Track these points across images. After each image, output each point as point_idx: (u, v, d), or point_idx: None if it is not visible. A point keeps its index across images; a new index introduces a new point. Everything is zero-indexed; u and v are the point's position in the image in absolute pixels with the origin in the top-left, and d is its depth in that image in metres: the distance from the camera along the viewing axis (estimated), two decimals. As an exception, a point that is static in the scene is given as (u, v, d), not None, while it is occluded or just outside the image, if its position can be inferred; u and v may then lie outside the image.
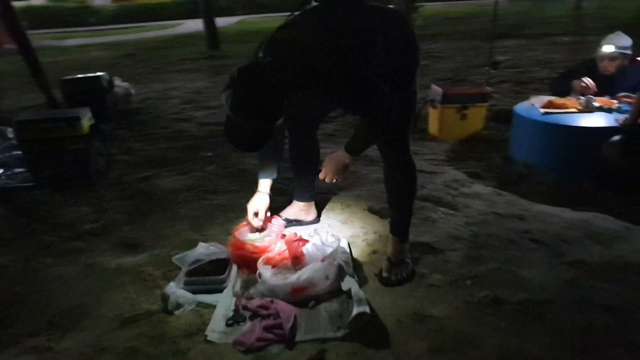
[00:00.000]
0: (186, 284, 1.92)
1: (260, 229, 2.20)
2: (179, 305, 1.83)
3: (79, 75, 4.62)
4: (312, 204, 2.51)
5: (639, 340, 1.59)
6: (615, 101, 3.06)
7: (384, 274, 1.99)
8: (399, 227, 2.04)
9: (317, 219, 2.51)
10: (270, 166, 2.24)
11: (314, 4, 1.74)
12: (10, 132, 4.26)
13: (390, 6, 2.13)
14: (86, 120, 3.14)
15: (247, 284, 1.98)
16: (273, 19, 18.66)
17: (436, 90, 3.78)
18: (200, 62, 8.94)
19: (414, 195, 2.03)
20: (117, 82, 4.99)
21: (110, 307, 1.87)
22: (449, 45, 8.80)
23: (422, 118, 4.05)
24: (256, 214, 2.19)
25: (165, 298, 1.86)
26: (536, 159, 3.02)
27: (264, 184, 2.25)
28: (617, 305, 1.76)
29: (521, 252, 2.14)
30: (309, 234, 2.18)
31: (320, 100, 1.88)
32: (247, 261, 2.04)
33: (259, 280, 1.93)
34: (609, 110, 2.99)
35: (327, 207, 2.66)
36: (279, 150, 2.28)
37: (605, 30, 8.20)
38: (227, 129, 1.69)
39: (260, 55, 1.68)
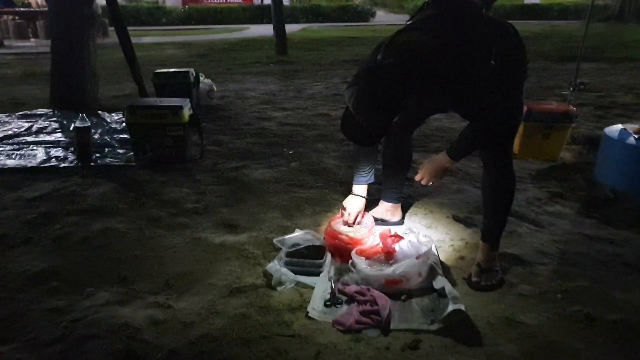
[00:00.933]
0: (287, 264, 2.06)
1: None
2: (280, 283, 1.98)
3: (170, 70, 4.93)
4: (399, 205, 2.61)
5: None
6: None
7: (474, 279, 2.05)
8: (492, 234, 2.10)
9: (401, 221, 2.60)
10: (366, 169, 2.34)
11: (431, 11, 1.84)
12: (108, 117, 4.63)
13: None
14: (187, 110, 3.38)
15: (341, 272, 2.10)
16: (334, 28, 19.03)
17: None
18: (270, 66, 9.23)
19: (510, 204, 2.09)
20: (201, 78, 5.27)
21: (219, 277, 2.05)
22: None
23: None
24: (354, 216, 2.31)
25: (268, 275, 2.01)
26: (626, 184, 2.98)
27: (361, 188, 2.36)
28: None
29: (613, 274, 2.15)
30: (404, 232, 2.28)
31: (434, 102, 1.98)
32: (341, 251, 2.16)
33: (352, 269, 2.05)
34: None
35: (410, 210, 2.75)
36: (374, 152, 2.39)
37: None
38: (344, 124, 1.82)
39: (379, 57, 1.79)
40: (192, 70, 4.93)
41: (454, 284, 2.05)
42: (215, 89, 5.57)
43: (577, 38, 11.61)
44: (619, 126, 3.26)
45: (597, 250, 2.34)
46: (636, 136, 3.01)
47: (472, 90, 1.76)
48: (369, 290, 1.91)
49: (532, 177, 3.36)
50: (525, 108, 3.69)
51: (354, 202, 2.36)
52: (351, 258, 2.06)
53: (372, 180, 2.38)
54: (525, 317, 1.85)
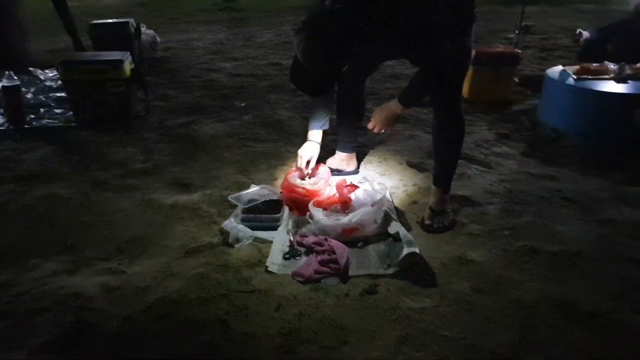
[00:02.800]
0: (244, 220, 2.05)
1: (310, 176, 2.32)
2: (238, 240, 1.97)
3: (108, 20, 4.62)
4: (354, 155, 2.62)
5: (665, 291, 1.74)
6: (649, 69, 3.12)
7: (427, 222, 2.11)
8: (443, 178, 2.15)
9: (356, 170, 2.63)
10: (321, 116, 2.33)
11: None
12: (41, 74, 4.32)
13: None
14: (128, 64, 3.21)
15: (299, 224, 2.11)
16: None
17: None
18: (217, 14, 8.83)
19: (460, 147, 2.14)
20: (142, 29, 4.99)
21: (173, 239, 2.01)
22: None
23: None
24: (308, 162, 2.30)
25: (224, 232, 2.00)
26: (566, 123, 3.10)
27: (316, 134, 2.34)
28: (645, 259, 1.90)
29: (554, 209, 2.27)
30: (359, 181, 2.30)
31: (385, 48, 1.95)
32: (299, 203, 2.17)
33: (310, 221, 2.07)
34: (641, 79, 3.05)
35: (365, 159, 2.77)
36: (329, 101, 2.36)
37: (634, -1, 7.88)
38: (294, 73, 1.77)
39: (328, 2, 1.74)
40: (132, 20, 4.65)
41: (408, 228, 2.11)
42: (158, 40, 5.29)
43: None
44: (560, 67, 3.36)
45: (540, 187, 2.46)
46: (575, 77, 3.11)
47: (423, 35, 1.74)
48: (326, 240, 1.94)
49: (481, 120, 3.44)
50: (473, 52, 3.73)
51: (308, 148, 2.34)
52: (309, 210, 2.08)
53: (327, 126, 2.36)
54: (475, 254, 1.94)
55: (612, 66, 3.18)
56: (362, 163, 2.72)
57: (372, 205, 2.05)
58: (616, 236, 2.05)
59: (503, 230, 2.09)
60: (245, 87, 4.16)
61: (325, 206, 2.14)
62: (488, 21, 7.47)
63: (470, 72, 3.73)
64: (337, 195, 2.20)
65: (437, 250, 1.97)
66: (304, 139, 2.41)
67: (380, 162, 2.76)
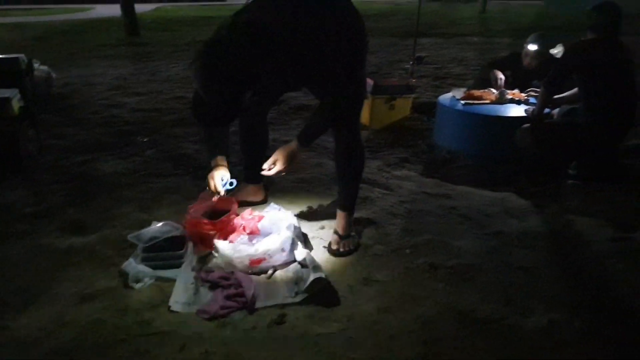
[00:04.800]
0: (145, 259, 1.96)
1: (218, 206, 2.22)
2: (138, 280, 1.88)
3: (-5, 56, 4.31)
4: (261, 185, 2.62)
5: (550, 293, 1.89)
6: (524, 94, 3.46)
7: (333, 246, 2.16)
8: (347, 203, 2.22)
9: (264, 200, 2.63)
10: (221, 145, 2.25)
11: None
12: None
13: None
14: (16, 101, 3.00)
15: (204, 259, 2.06)
16: (190, 7, 18.20)
17: (367, 81, 4.01)
18: (120, 49, 8.58)
19: (361, 173, 2.22)
20: (36, 65, 4.71)
21: (67, 285, 1.88)
22: (370, 42, 9.12)
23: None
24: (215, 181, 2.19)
25: (124, 274, 1.90)
26: (458, 145, 3.35)
27: (220, 159, 2.23)
28: (532, 266, 2.07)
29: (450, 225, 2.42)
30: (266, 210, 2.31)
31: (286, 82, 1.97)
32: (203, 237, 2.12)
33: (216, 255, 2.03)
34: (519, 102, 3.39)
35: (272, 188, 2.78)
36: (227, 131, 2.32)
37: (509, 32, 8.93)
38: (194, 105, 1.75)
39: (223, 31, 1.75)
40: (22, 56, 4.35)
41: (316, 253, 2.13)
42: (54, 76, 5.02)
43: (420, 16, 12.61)
44: (450, 94, 3.64)
45: (438, 206, 2.62)
46: (463, 102, 3.38)
47: (322, 70, 1.80)
48: (232, 273, 1.91)
49: (382, 146, 3.61)
50: (372, 82, 3.94)
51: (217, 171, 2.21)
52: (214, 244, 2.04)
53: (227, 154, 2.28)
54: (380, 275, 2.00)
55: (494, 91, 3.50)
56: (271, 192, 2.73)
57: (278, 234, 2.06)
58: (505, 247, 2.22)
59: (405, 248, 2.19)
60: (148, 122, 4.05)
61: (231, 238, 2.11)
62: (388, 53, 7.94)
63: (369, 102, 3.93)
64: (243, 226, 2.18)
65: (344, 274, 2.01)
66: (210, 170, 2.35)
67: (288, 190, 2.79)
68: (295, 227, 2.18)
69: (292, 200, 2.67)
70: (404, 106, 4.06)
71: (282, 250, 2.02)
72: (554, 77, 2.93)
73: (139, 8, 12.49)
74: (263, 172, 1.98)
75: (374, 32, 10.44)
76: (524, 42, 3.63)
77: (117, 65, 6.81)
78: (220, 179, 2.18)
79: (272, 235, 2.04)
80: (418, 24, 4.84)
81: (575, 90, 3.05)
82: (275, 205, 2.38)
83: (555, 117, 3.22)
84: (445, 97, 3.64)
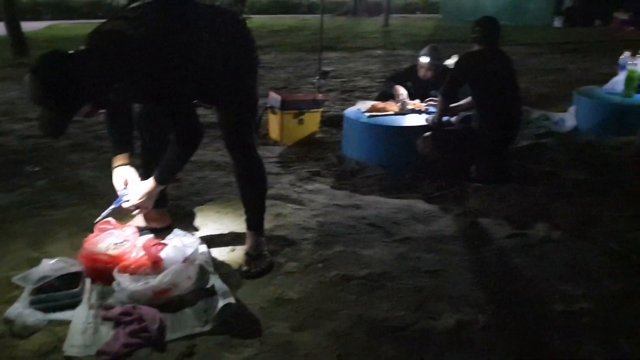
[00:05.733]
0: (34, 302, 1.78)
1: (136, 207, 2.00)
2: (27, 327, 1.70)
3: None
4: (165, 210, 2.50)
5: (457, 294, 1.97)
6: (424, 104, 3.63)
7: (244, 268, 2.10)
8: (254, 222, 2.18)
9: (169, 226, 2.50)
10: (123, 141, 2.08)
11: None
12: None
13: None
14: None
15: (104, 295, 1.91)
16: (87, 25, 17.25)
17: (274, 97, 4.01)
18: (7, 70, 7.90)
19: (265, 190, 2.19)
20: None
21: (-61, 342, 1.65)
22: (278, 57, 9.22)
23: (263, 124, 4.24)
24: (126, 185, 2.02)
25: (9, 321, 1.70)
26: (365, 156, 3.44)
27: (121, 157, 2.05)
28: (439, 269, 2.15)
29: (361, 235, 2.45)
30: (168, 238, 2.19)
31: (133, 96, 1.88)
32: (102, 272, 1.96)
33: (116, 289, 1.89)
34: (419, 112, 3.54)
35: (180, 212, 2.66)
36: (128, 128, 2.12)
37: (410, 45, 9.40)
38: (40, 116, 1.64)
39: (82, 47, 1.67)
40: None
41: (227, 277, 2.06)
42: None
43: (325, 30, 12.92)
44: (355, 107, 3.73)
45: (348, 217, 2.65)
46: (367, 114, 3.48)
47: (164, 85, 1.73)
48: (135, 308, 1.78)
49: (293, 161, 3.61)
50: (279, 98, 3.94)
51: (118, 173, 2.03)
52: (114, 278, 1.89)
53: (131, 149, 2.09)
54: (293, 292, 1.97)
55: (397, 102, 3.63)
56: (177, 216, 2.61)
57: (183, 262, 1.96)
58: (413, 252, 2.29)
59: (317, 263, 2.18)
60: (40, 149, 3.74)
61: (132, 270, 1.97)
62: (296, 68, 8.02)
63: (279, 117, 3.92)
64: (145, 256, 2.06)
65: (255, 295, 1.95)
66: (110, 198, 2.15)
67: (195, 213, 2.68)
68: (202, 253, 2.09)
69: (200, 223, 2.57)
70: (313, 120, 4.09)
71: (189, 278, 1.93)
72: (448, 88, 3.12)
73: (29, 26, 11.64)
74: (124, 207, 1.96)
75: (282, 47, 10.52)
76: (421, 54, 3.81)
77: (4, 88, 6.26)
78: (121, 182, 2.02)
79: (177, 265, 1.93)
80: (322, 39, 4.95)
81: (469, 98, 3.25)
82: (180, 231, 2.27)
83: (454, 124, 3.41)
84: (351, 110, 3.73)
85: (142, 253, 2.06)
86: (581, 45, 10.62)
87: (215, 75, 1.83)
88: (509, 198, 2.88)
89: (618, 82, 4.17)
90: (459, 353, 1.65)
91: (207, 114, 2.65)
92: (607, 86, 4.32)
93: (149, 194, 1.92)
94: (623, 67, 4.25)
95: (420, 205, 2.83)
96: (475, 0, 19.00)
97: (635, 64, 4.01)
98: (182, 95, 1.79)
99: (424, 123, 3.32)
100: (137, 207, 1.93)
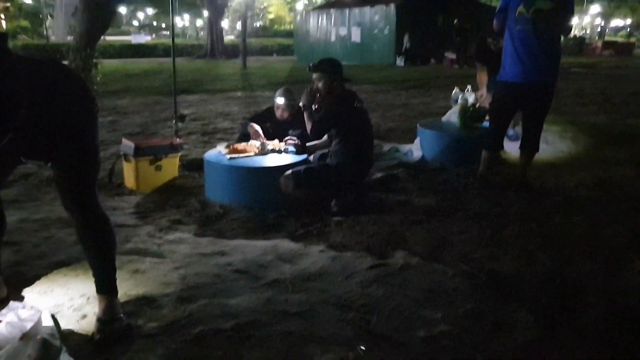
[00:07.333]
0: None
1: None
2: None
3: None
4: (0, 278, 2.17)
5: (325, 333, 1.98)
6: (283, 144, 3.71)
7: (97, 336, 1.89)
8: (105, 284, 1.99)
9: (6, 297, 2.17)
10: None
11: None
12: None
13: (66, 62, 2.10)
14: None
15: None
16: None
17: (128, 144, 3.79)
18: None
19: (113, 248, 2.02)
20: None
21: None
22: (133, 101, 8.81)
23: (118, 173, 3.97)
24: None
25: None
26: (229, 198, 3.38)
27: None
28: (307, 309, 2.15)
29: (227, 284, 2.37)
30: (1, 313, 1.89)
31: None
32: None
33: None
34: (279, 151, 3.61)
35: (17, 280, 2.33)
36: None
37: (268, 86, 9.71)
38: None
39: None
40: None
41: (78, 349, 1.84)
42: None
43: (183, 73, 12.72)
44: (216, 150, 3.68)
45: (213, 265, 2.55)
46: (228, 156, 3.45)
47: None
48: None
49: (152, 210, 3.41)
50: (132, 144, 3.73)
51: None
52: None
53: None
54: (154, 357, 1.82)
55: (256, 143, 3.66)
56: (13, 285, 2.27)
57: (21, 339, 1.70)
58: (280, 294, 2.27)
59: (180, 320, 2.04)
60: None
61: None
62: (153, 112, 7.72)
63: (133, 165, 3.70)
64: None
65: (108, 368, 1.76)
66: None
67: (39, 279, 2.37)
68: (44, 326, 1.84)
69: (44, 290, 2.28)
70: (171, 166, 3.94)
71: (29, 356, 1.67)
72: (320, 129, 3.35)
73: None
74: None
75: (138, 91, 10.06)
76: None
77: None
78: None
79: (13, 343, 1.67)
80: (175, 81, 4.85)
81: (325, 138, 3.42)
82: (17, 303, 1.98)
83: (311, 162, 3.53)
84: (212, 153, 3.67)
85: (-36, 337, 1.74)
86: (420, 81, 11.93)
87: (43, 131, 1.67)
88: (368, 229, 3.03)
89: (453, 114, 4.74)
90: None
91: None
92: (444, 118, 4.89)
93: None
94: (455, 101, 4.86)
95: (285, 244, 2.84)
96: (325, 42, 20.43)
97: (465, 98, 4.64)
98: None
99: (284, 162, 3.39)
100: None
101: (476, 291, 2.33)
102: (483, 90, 4.83)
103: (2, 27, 25.42)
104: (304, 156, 3.56)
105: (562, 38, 3.65)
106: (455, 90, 5.11)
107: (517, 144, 3.89)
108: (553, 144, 5.22)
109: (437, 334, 1.99)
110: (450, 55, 17.20)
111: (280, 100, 3.81)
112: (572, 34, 4.28)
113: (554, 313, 2.15)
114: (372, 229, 3.04)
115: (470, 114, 4.54)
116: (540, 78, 3.49)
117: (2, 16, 27.42)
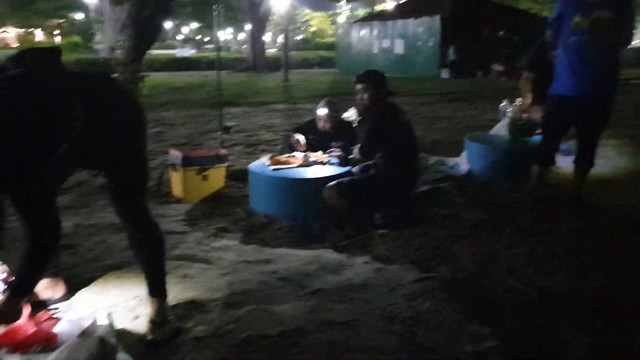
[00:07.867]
0: None
1: None
2: None
3: None
4: (60, 278, 2.28)
5: (371, 345, 1.98)
6: (326, 155, 3.75)
7: (149, 337, 1.97)
8: (156, 288, 2.07)
9: (66, 295, 2.29)
10: None
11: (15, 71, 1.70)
12: None
13: (115, 75, 2.23)
14: None
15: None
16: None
17: (175, 154, 3.93)
18: None
19: (163, 254, 2.10)
20: None
21: None
22: (179, 114, 9.09)
23: (165, 182, 4.11)
24: None
25: None
26: (273, 209, 3.44)
27: None
28: (350, 320, 2.15)
29: (272, 291, 2.41)
30: (63, 310, 1.99)
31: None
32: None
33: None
34: (323, 163, 3.65)
35: (76, 281, 2.45)
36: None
37: (309, 99, 9.78)
38: None
39: None
40: None
41: (132, 348, 1.91)
42: None
43: (226, 86, 13.06)
44: (260, 161, 3.77)
45: (258, 272, 2.60)
46: (272, 168, 3.52)
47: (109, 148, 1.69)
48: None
49: (199, 218, 3.51)
50: (180, 155, 3.87)
51: None
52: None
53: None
54: (203, 359, 1.87)
55: (299, 155, 3.72)
56: (73, 285, 2.38)
57: (80, 336, 1.79)
58: (325, 304, 2.29)
59: (227, 325, 2.09)
60: None
61: (23, 347, 1.76)
62: (198, 124, 7.95)
63: (181, 174, 3.83)
64: (36, 332, 1.85)
65: (163, 366, 1.82)
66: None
67: (95, 280, 2.48)
68: (100, 325, 1.92)
69: (99, 291, 2.38)
70: (217, 176, 4.05)
71: (89, 353, 1.75)
72: (368, 145, 3.36)
73: None
74: None
75: (183, 104, 10.38)
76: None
77: None
78: None
79: (73, 340, 1.76)
80: (221, 94, 4.98)
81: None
82: (75, 302, 2.08)
83: (355, 174, 3.55)
84: (256, 164, 3.75)
85: (32, 329, 1.85)
86: (466, 94, 11.76)
87: (96, 142, 1.78)
88: (413, 242, 3.01)
89: (501, 127, 4.66)
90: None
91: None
92: (493, 131, 4.81)
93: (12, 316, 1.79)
94: (503, 114, 4.77)
95: (329, 255, 2.86)
96: (367, 54, 20.44)
97: (514, 111, 4.55)
98: (40, 171, 1.68)
99: (328, 174, 3.43)
100: None
101: (526, 308, 2.27)
102: (528, 100, 4.70)
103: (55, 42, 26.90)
104: (347, 168, 3.58)
105: (621, 48, 3.49)
106: (504, 102, 5.02)
107: (571, 158, 3.73)
108: (610, 159, 4.99)
109: (485, 350, 1.95)
110: (498, 67, 16.79)
111: (322, 111, 3.87)
112: (631, 44, 4.08)
113: (608, 335, 2.07)
114: (418, 242, 3.02)
115: (519, 126, 4.44)
116: (595, 90, 3.31)
117: (57, 32, 29.05)
